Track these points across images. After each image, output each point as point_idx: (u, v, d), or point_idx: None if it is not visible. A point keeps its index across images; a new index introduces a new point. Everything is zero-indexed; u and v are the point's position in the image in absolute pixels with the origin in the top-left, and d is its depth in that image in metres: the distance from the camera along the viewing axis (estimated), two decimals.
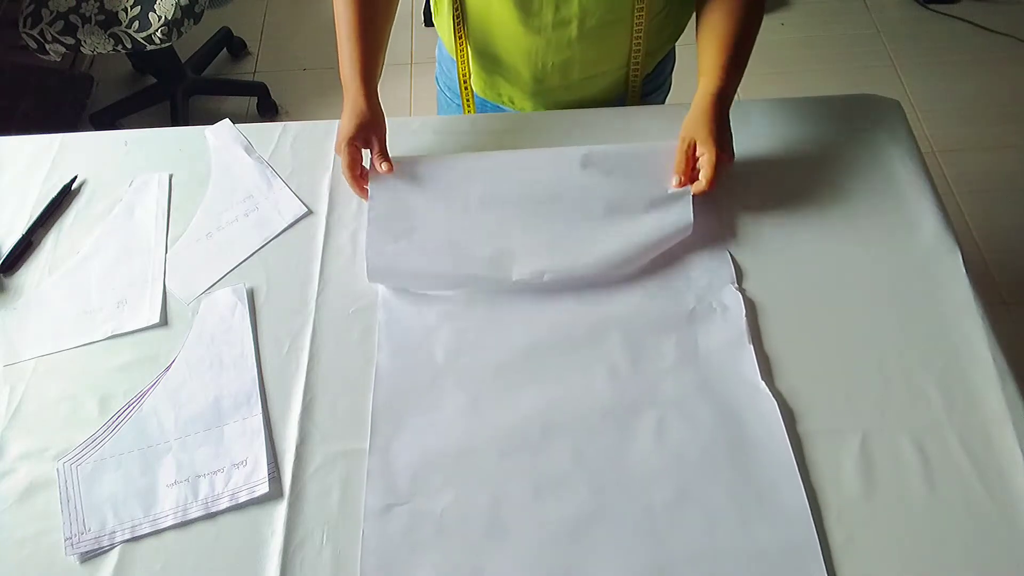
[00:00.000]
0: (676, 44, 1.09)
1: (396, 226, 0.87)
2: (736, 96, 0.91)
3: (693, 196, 0.87)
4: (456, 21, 1.00)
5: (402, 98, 2.31)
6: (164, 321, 0.85)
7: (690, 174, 0.88)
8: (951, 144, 2.12)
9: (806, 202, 0.91)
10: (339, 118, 1.02)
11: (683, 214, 0.86)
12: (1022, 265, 1.88)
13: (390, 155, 0.93)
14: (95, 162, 1.00)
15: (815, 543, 0.67)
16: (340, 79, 0.94)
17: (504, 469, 0.72)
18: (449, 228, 0.88)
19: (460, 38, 1.02)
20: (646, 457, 0.73)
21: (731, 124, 0.88)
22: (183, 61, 2.21)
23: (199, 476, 0.73)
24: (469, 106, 1.11)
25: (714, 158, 0.85)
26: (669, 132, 0.97)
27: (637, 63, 1.00)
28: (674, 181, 0.88)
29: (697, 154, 0.88)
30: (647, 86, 1.07)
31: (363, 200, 0.91)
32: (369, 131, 0.89)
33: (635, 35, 0.96)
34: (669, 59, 1.11)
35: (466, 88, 1.08)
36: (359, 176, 0.90)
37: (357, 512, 0.71)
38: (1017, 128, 2.14)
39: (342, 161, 0.89)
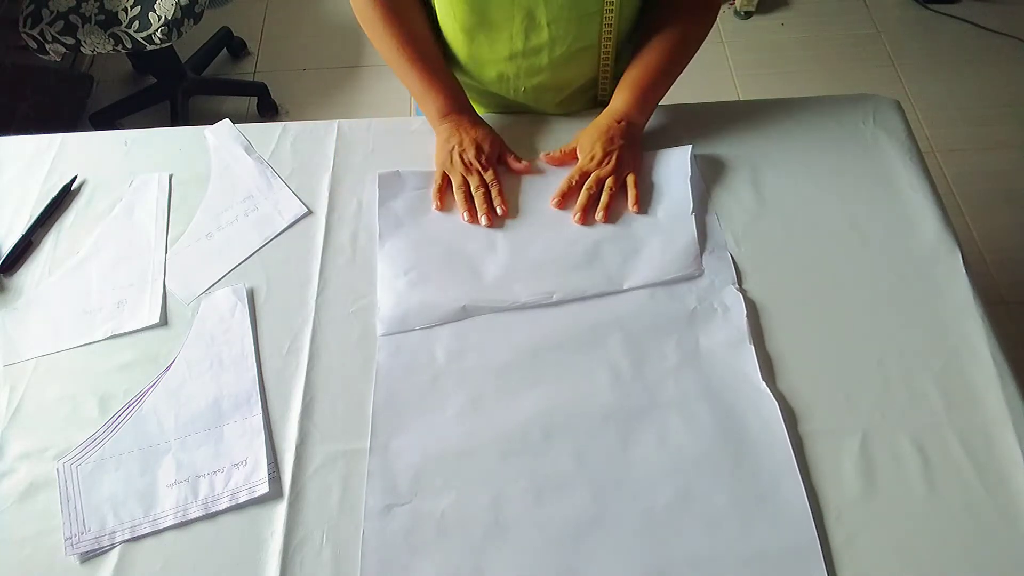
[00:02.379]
0: None
1: (404, 259, 0.87)
2: (736, 96, 0.92)
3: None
4: None
5: (402, 98, 2.31)
6: (164, 321, 0.85)
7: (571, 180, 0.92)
8: (951, 144, 2.12)
9: (806, 202, 0.91)
10: (339, 118, 1.02)
11: (693, 254, 0.86)
12: (1022, 265, 1.88)
13: (393, 154, 0.96)
14: (95, 162, 1.00)
15: (815, 543, 0.67)
16: (424, 114, 0.97)
17: (505, 470, 0.72)
18: (452, 252, 0.88)
19: None
20: (647, 458, 0.73)
21: (733, 122, 0.88)
22: (183, 61, 2.21)
23: (199, 476, 0.73)
24: None
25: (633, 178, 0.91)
26: (654, 133, 0.98)
27: (605, 86, 1.00)
28: (553, 202, 0.91)
29: (596, 168, 0.91)
30: None
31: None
32: (491, 153, 0.94)
33: (603, 61, 0.96)
34: None
35: None
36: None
37: (357, 512, 0.71)
38: (1017, 128, 2.14)
39: (473, 181, 0.91)
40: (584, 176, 0.91)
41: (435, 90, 0.94)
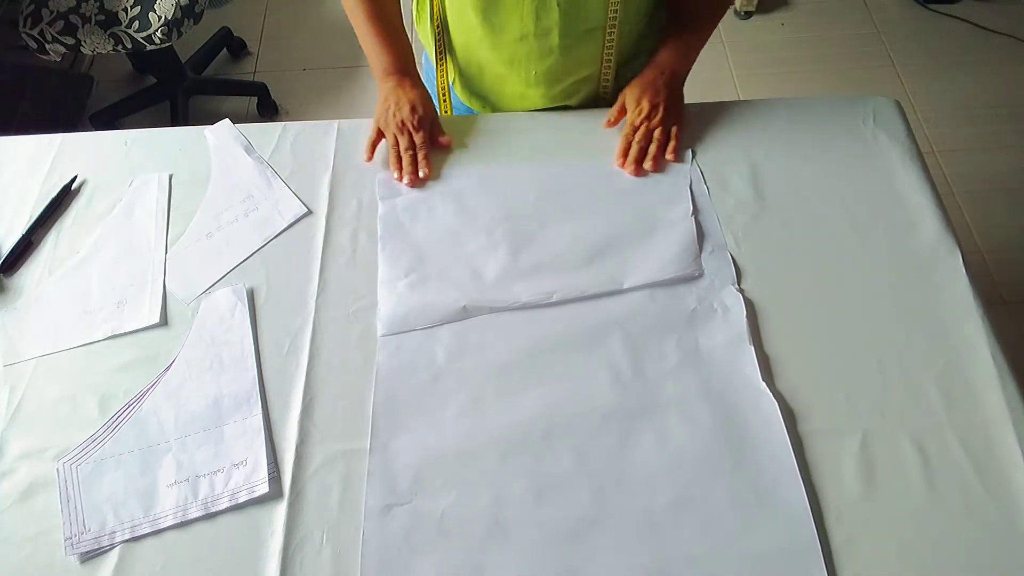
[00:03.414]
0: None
1: (404, 261, 0.88)
2: (736, 96, 0.93)
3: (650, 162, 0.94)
4: (437, 32, 1.01)
5: None
6: (164, 321, 0.85)
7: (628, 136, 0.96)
8: (951, 144, 2.12)
9: (806, 202, 0.91)
10: (339, 118, 1.03)
11: (692, 254, 0.87)
12: (1022, 265, 1.88)
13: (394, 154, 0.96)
14: (95, 162, 1.00)
15: (815, 543, 0.67)
16: (372, 71, 1.01)
17: (505, 470, 0.72)
18: (452, 253, 0.88)
19: (441, 51, 1.03)
20: (647, 458, 0.73)
21: (733, 122, 0.89)
22: (183, 61, 2.21)
23: (199, 476, 0.73)
24: (447, 115, 1.12)
25: (676, 130, 0.96)
26: None
27: (608, 74, 1.01)
28: (617, 162, 0.95)
29: (641, 119, 0.95)
30: None
31: (406, 185, 0.95)
32: (424, 116, 0.96)
33: (606, 47, 0.97)
34: None
35: (444, 100, 1.09)
36: (410, 159, 0.95)
37: (357, 512, 0.71)
38: (1017, 128, 2.14)
39: (403, 141, 0.95)
40: (635, 130, 0.96)
41: (385, 48, 0.98)
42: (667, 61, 0.98)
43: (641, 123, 0.95)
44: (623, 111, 0.98)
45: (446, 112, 1.11)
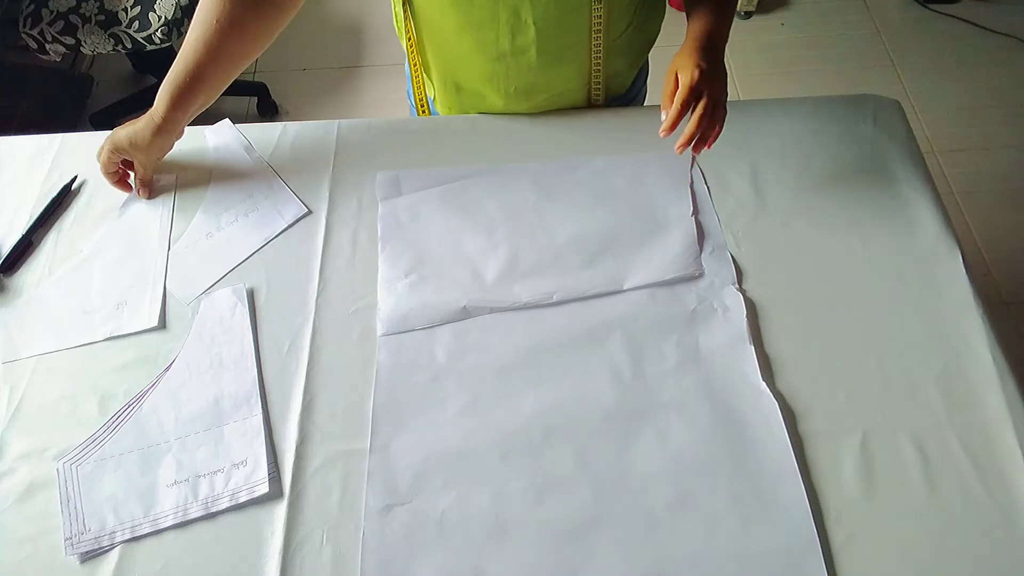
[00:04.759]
0: (651, 51, 1.07)
1: (404, 261, 0.88)
2: (736, 96, 0.91)
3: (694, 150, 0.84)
4: (410, 44, 0.99)
5: (402, 98, 2.31)
6: (163, 324, 0.85)
7: (678, 111, 0.83)
8: (951, 144, 2.12)
9: (806, 202, 0.91)
10: (339, 118, 1.02)
11: (693, 254, 0.86)
12: (1022, 265, 1.88)
13: (393, 154, 0.95)
14: (95, 162, 1.00)
15: (815, 544, 0.67)
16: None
17: (505, 470, 0.72)
18: (453, 253, 0.88)
19: (415, 65, 1.02)
20: (647, 458, 0.73)
21: (733, 122, 0.88)
22: None
23: (199, 476, 0.73)
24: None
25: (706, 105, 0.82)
26: (648, 134, 0.97)
27: (598, 85, 1.00)
28: (663, 116, 0.84)
29: (689, 95, 0.83)
30: (618, 101, 1.06)
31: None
32: (136, 153, 0.92)
33: (594, 58, 0.95)
34: (641, 73, 1.09)
35: (422, 109, 1.08)
36: (118, 181, 0.95)
37: (357, 512, 0.71)
38: (1017, 128, 2.14)
39: (102, 161, 0.93)
40: (684, 104, 0.82)
41: (174, 96, 0.89)
42: (704, 27, 0.86)
43: (690, 97, 0.82)
44: (674, 90, 0.84)
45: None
